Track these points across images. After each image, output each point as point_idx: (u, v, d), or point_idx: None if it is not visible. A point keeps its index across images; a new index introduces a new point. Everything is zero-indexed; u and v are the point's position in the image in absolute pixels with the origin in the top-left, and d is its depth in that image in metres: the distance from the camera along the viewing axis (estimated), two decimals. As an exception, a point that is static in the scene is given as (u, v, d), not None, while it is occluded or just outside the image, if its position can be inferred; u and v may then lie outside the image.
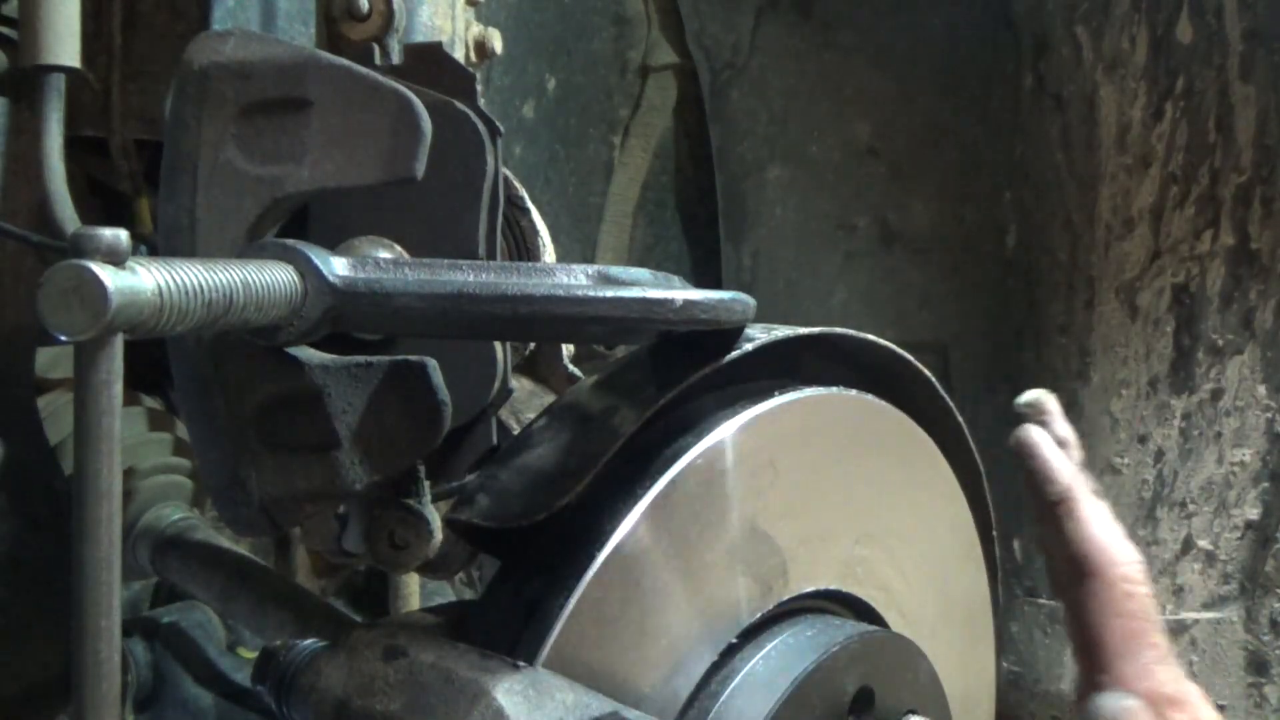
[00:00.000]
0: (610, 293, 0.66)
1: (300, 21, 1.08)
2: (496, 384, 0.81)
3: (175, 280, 0.50)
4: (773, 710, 0.76)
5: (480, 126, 0.78)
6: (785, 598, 0.83)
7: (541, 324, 0.66)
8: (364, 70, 0.69)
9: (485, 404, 0.81)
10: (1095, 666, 0.70)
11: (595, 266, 0.69)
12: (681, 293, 0.68)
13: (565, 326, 0.67)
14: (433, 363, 0.71)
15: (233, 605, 1.16)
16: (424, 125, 0.68)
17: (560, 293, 0.65)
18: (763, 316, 0.78)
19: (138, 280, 0.46)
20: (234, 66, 0.67)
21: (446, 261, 0.66)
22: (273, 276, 0.59)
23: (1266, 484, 1.57)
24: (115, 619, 0.51)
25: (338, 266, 0.63)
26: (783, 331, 0.82)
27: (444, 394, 0.71)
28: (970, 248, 1.75)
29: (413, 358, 0.71)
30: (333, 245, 0.76)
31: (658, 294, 0.68)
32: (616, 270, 0.69)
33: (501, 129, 0.81)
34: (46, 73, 0.92)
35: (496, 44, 1.10)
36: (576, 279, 0.67)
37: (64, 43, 0.92)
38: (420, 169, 0.68)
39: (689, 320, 0.68)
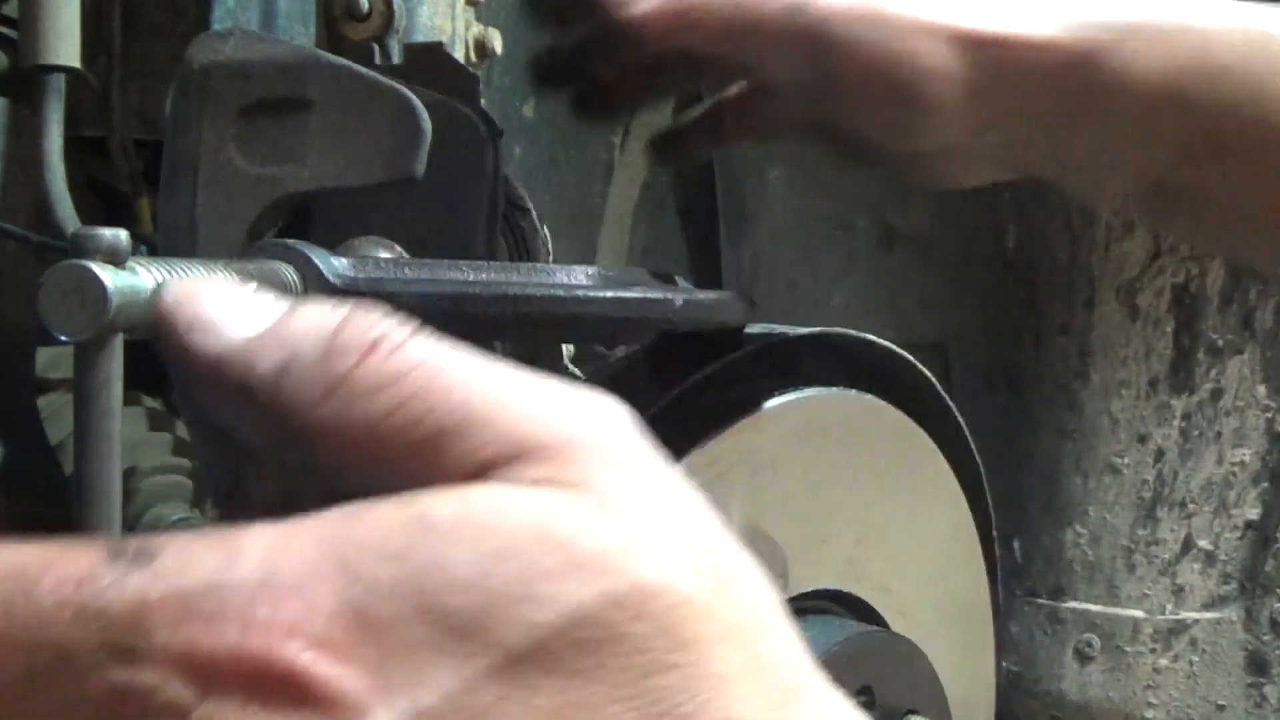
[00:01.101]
0: (611, 293, 0.66)
1: (300, 21, 1.07)
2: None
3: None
4: (773, 710, 0.76)
5: (481, 127, 0.78)
6: (785, 598, 0.83)
7: (542, 324, 0.66)
8: (364, 70, 0.69)
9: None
10: None
11: (595, 267, 0.69)
12: (682, 293, 0.68)
13: (566, 327, 0.67)
14: None
15: (233, 605, 1.16)
16: (424, 125, 0.68)
17: (561, 293, 0.65)
18: (763, 316, 0.78)
19: (138, 280, 0.46)
20: (234, 66, 0.67)
21: (446, 261, 0.66)
22: (273, 276, 0.59)
23: (1266, 484, 1.57)
24: (115, 619, 0.51)
25: (338, 266, 0.63)
26: (782, 331, 0.83)
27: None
28: (970, 248, 1.74)
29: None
30: (333, 245, 0.76)
31: (658, 294, 0.68)
32: (617, 271, 0.69)
33: (502, 129, 0.81)
34: (46, 73, 0.92)
35: (496, 44, 1.09)
36: (577, 279, 0.67)
37: (64, 43, 0.92)
38: (421, 169, 0.68)
39: (690, 320, 0.68)
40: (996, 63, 0.66)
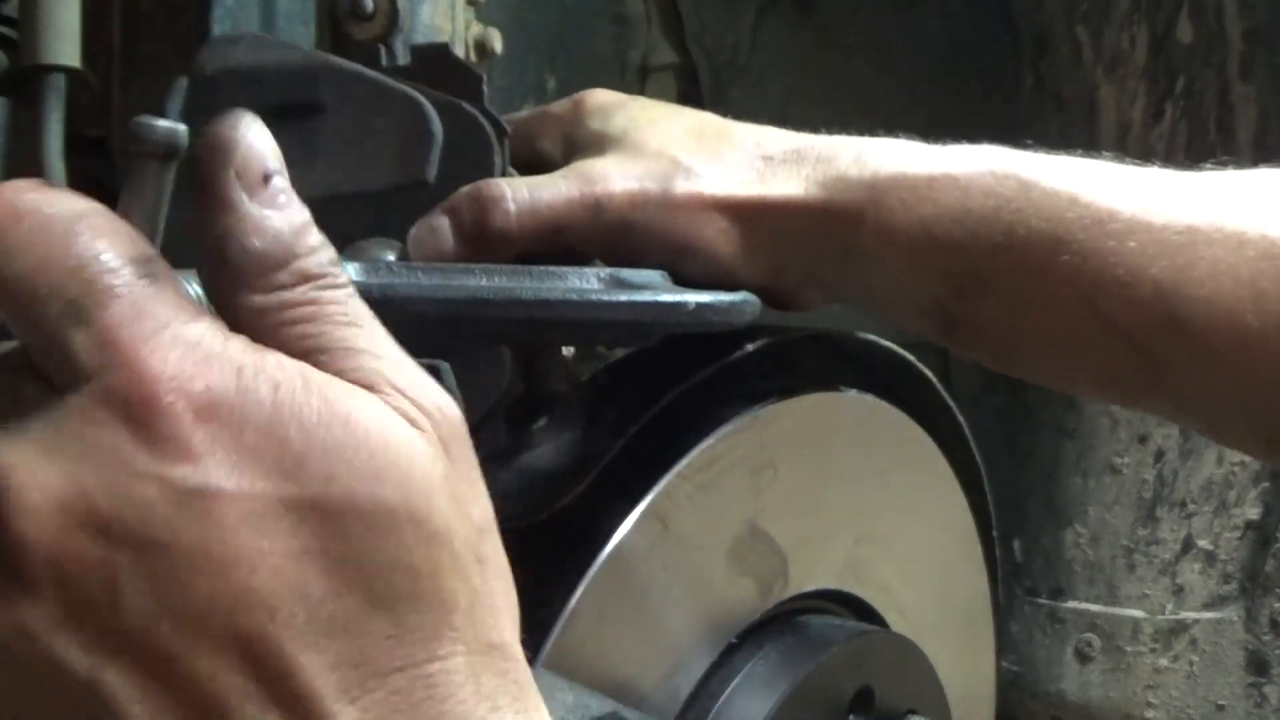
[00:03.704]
0: (625, 297, 0.66)
1: (300, 22, 1.07)
2: (504, 384, 0.81)
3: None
4: (773, 710, 0.77)
5: (487, 127, 0.78)
6: (785, 598, 0.84)
7: (556, 328, 0.66)
8: (375, 74, 0.69)
9: (494, 404, 0.81)
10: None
11: (606, 269, 0.69)
12: (694, 296, 0.69)
13: (579, 330, 0.68)
14: (446, 366, 0.70)
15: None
16: (435, 129, 0.68)
17: (575, 297, 0.65)
18: (763, 316, 0.78)
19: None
20: (247, 73, 0.67)
21: (459, 266, 0.66)
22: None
23: (1266, 484, 1.57)
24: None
25: (351, 271, 0.63)
26: (783, 331, 0.83)
27: (457, 397, 0.70)
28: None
29: (424, 360, 0.70)
30: (340, 248, 0.76)
31: (671, 298, 0.68)
32: (627, 273, 0.69)
33: (508, 129, 0.81)
34: (46, 73, 0.92)
35: (496, 44, 1.09)
36: (589, 283, 0.68)
37: (64, 43, 0.92)
38: (432, 172, 0.68)
39: (702, 324, 0.69)
40: (758, 225, 0.75)
